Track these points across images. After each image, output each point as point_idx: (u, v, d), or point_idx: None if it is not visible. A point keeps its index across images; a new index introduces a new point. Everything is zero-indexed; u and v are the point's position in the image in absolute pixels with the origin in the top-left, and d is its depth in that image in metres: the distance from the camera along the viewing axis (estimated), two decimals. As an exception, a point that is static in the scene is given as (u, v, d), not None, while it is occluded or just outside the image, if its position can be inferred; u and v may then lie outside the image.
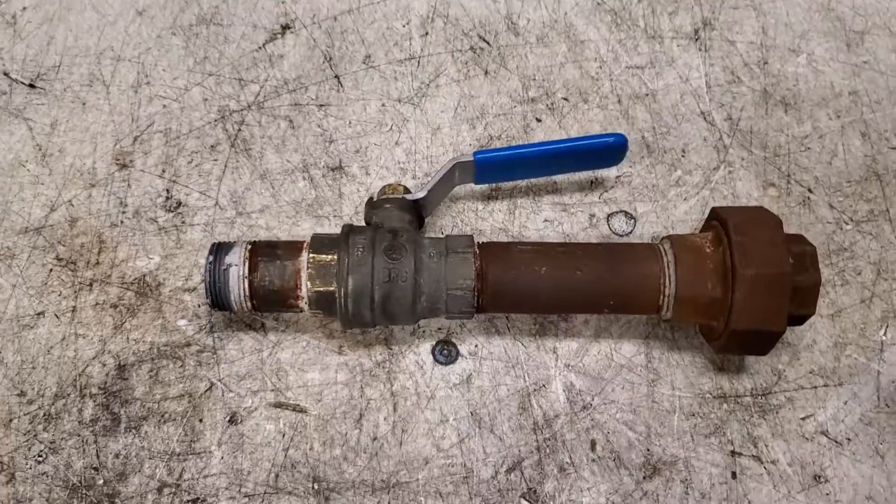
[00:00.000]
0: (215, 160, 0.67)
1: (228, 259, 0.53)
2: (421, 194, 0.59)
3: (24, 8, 0.75)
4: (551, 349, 0.60)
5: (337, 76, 0.72)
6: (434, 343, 0.60)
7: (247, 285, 0.53)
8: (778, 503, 0.56)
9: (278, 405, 0.57)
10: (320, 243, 0.54)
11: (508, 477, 0.56)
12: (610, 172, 0.67)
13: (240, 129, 0.68)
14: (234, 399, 0.57)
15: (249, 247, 0.54)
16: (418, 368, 0.59)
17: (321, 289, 0.53)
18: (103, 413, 0.57)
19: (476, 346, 0.60)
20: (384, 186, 0.60)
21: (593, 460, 0.57)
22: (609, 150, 0.62)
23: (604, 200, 0.66)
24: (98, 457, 0.56)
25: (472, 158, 0.61)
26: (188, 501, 0.55)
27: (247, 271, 0.53)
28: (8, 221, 0.64)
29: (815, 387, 0.59)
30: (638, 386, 0.59)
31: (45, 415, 0.57)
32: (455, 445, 0.57)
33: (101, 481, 0.55)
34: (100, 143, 0.67)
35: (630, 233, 0.64)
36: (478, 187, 0.66)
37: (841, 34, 0.75)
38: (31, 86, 0.70)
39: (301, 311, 0.55)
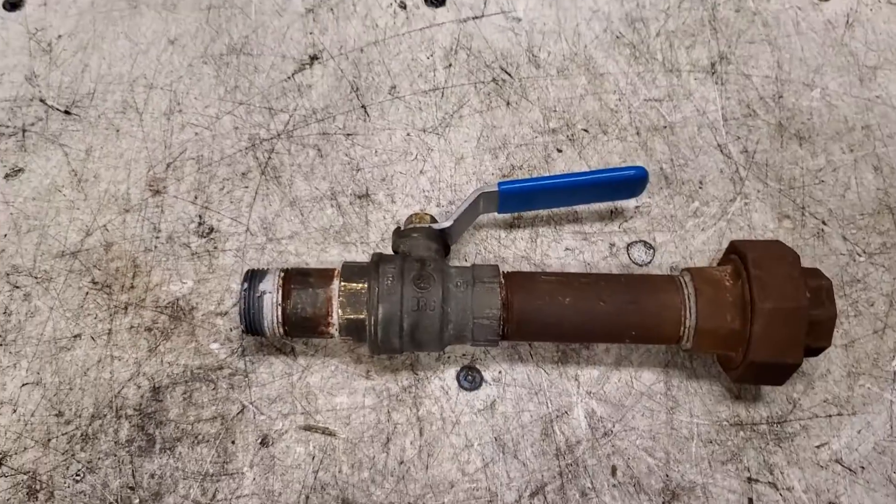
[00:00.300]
0: (246, 187, 0.69)
1: (262, 286, 0.55)
2: (447, 224, 0.61)
3: (60, 36, 0.77)
4: (573, 376, 0.61)
5: (363, 106, 0.74)
6: (459, 369, 0.61)
7: (280, 312, 0.55)
8: (794, 529, 0.57)
9: (308, 428, 0.59)
10: (351, 272, 0.56)
11: (532, 501, 0.57)
12: (629, 203, 0.69)
13: (270, 157, 0.70)
14: (265, 422, 0.59)
15: (282, 274, 0.56)
16: (443, 394, 0.60)
17: (352, 316, 0.55)
18: (139, 434, 0.58)
19: (500, 372, 0.61)
20: (411, 215, 0.62)
21: (614, 486, 0.58)
22: (630, 183, 0.64)
23: (623, 230, 0.68)
24: (134, 476, 0.57)
25: (496, 189, 0.62)
26: (221, 521, 0.56)
27: (280, 298, 0.55)
28: (45, 245, 0.66)
29: (830, 416, 0.61)
30: (657, 413, 0.60)
31: (82, 435, 0.58)
32: (479, 470, 0.58)
33: (137, 501, 0.56)
34: (133, 169, 0.69)
35: (649, 262, 0.66)
36: (501, 215, 0.68)
37: (854, 69, 0.77)
38: (67, 112, 0.72)
39: (331, 337, 0.56)
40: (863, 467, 0.59)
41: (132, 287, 0.64)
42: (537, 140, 0.72)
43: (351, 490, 0.57)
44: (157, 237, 0.66)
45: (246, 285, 0.55)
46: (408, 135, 0.72)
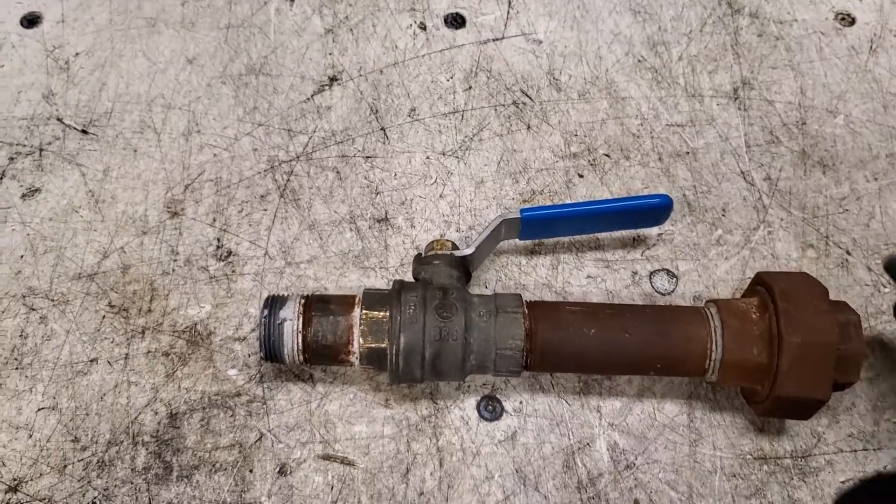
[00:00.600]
0: (265, 210, 0.68)
1: (283, 313, 0.54)
2: (469, 251, 0.60)
3: (77, 54, 0.77)
4: (595, 408, 0.61)
5: (383, 128, 0.73)
6: (479, 399, 0.61)
7: (300, 340, 0.54)
8: (819, 568, 0.57)
9: (327, 457, 0.58)
10: (372, 299, 0.55)
11: (554, 535, 0.57)
12: (652, 230, 0.68)
13: (289, 180, 0.70)
14: (283, 450, 0.58)
15: (303, 301, 0.55)
16: (464, 424, 0.60)
17: (373, 345, 0.54)
18: (155, 461, 0.58)
19: (521, 402, 0.61)
20: (432, 242, 0.61)
21: (637, 520, 0.57)
22: (655, 211, 0.63)
23: (646, 258, 0.67)
24: (150, 505, 0.57)
25: (518, 215, 0.62)
26: (238, 553, 0.56)
27: (300, 326, 0.54)
28: (62, 267, 0.65)
29: (855, 450, 0.60)
30: (680, 446, 0.60)
31: (98, 462, 0.58)
32: (500, 502, 0.57)
33: (153, 530, 0.56)
34: (151, 190, 0.69)
35: (672, 291, 0.65)
36: (522, 241, 0.67)
37: (878, 96, 0.76)
38: (84, 132, 0.72)
39: (351, 366, 0.56)
40: None
41: (149, 311, 0.63)
42: (558, 165, 0.71)
43: (370, 522, 0.57)
44: (175, 260, 0.65)
45: (266, 312, 0.55)
46: (427, 158, 0.72)
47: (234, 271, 0.65)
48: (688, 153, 0.72)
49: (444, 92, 0.75)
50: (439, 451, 0.59)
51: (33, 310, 0.63)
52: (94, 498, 0.57)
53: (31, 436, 0.58)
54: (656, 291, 0.65)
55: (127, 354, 0.61)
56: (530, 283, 0.66)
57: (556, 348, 0.55)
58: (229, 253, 0.66)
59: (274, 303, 0.56)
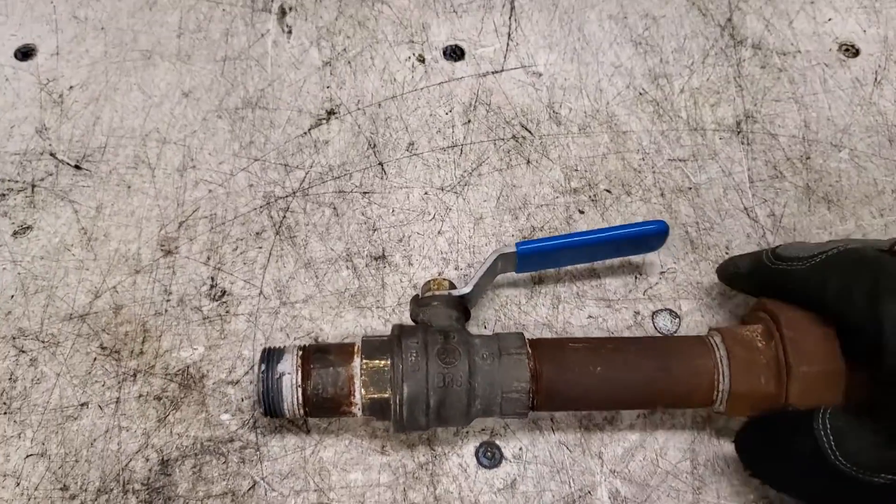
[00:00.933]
0: (260, 248, 0.67)
1: (281, 367, 0.53)
2: (466, 290, 0.59)
3: (72, 87, 0.76)
4: (597, 454, 0.59)
5: (381, 163, 0.72)
6: (478, 445, 0.59)
7: (300, 394, 0.53)
8: None
9: (321, 506, 0.57)
10: (372, 347, 0.54)
11: (554, 588, 0.55)
12: (654, 268, 0.67)
13: (284, 216, 0.69)
14: (277, 498, 0.57)
15: (300, 353, 0.54)
16: (462, 471, 0.58)
17: (375, 396, 0.53)
18: (146, 511, 0.56)
19: (520, 448, 0.59)
20: (429, 281, 0.60)
21: (639, 572, 0.56)
22: (651, 238, 0.62)
23: (648, 297, 0.66)
24: (140, 557, 0.55)
25: (514, 250, 0.61)
26: None
27: (300, 380, 0.53)
28: (53, 307, 0.64)
29: (863, 498, 0.58)
30: (683, 494, 0.58)
31: (87, 511, 0.56)
32: (499, 553, 0.56)
33: (142, 583, 0.54)
34: (145, 227, 0.68)
35: (675, 332, 0.64)
36: (521, 280, 0.66)
37: (883, 129, 0.75)
38: (77, 167, 0.71)
39: (353, 416, 0.54)
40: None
41: (141, 353, 0.62)
42: (558, 200, 0.70)
43: (365, 574, 0.55)
44: (168, 300, 0.64)
45: (263, 366, 0.53)
46: (426, 193, 0.71)
47: (227, 311, 0.64)
48: (690, 188, 0.71)
49: (443, 126, 0.74)
50: (437, 501, 0.57)
51: (23, 352, 0.62)
52: (83, 549, 0.55)
53: (18, 484, 0.57)
54: (658, 332, 0.64)
55: (118, 398, 0.60)
56: (530, 322, 0.64)
57: (562, 388, 0.54)
58: (223, 292, 0.65)
59: (270, 356, 0.54)
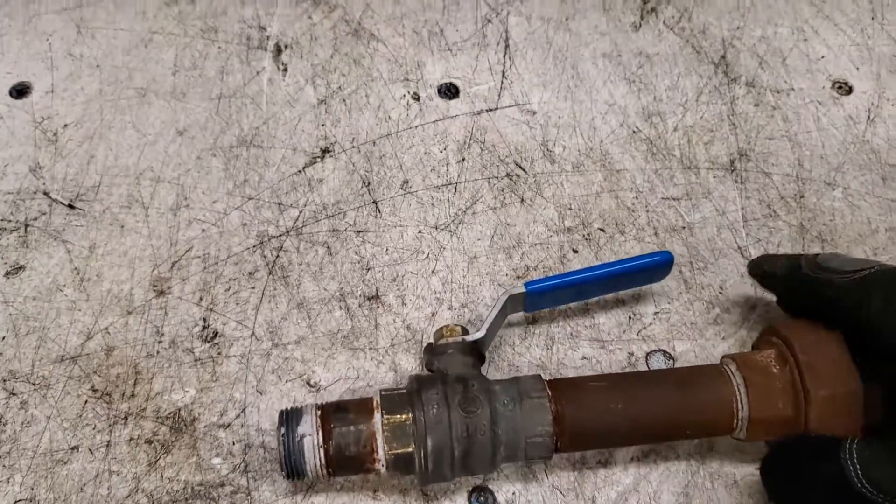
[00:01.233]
0: (253, 288, 0.67)
1: (301, 429, 0.52)
2: (480, 334, 0.59)
3: (66, 125, 0.76)
4: (590, 498, 0.59)
5: (375, 201, 0.72)
6: (470, 490, 0.59)
7: (322, 455, 0.52)
8: None
9: (312, 552, 0.57)
10: (391, 402, 0.54)
11: None
12: (648, 308, 0.67)
13: (278, 256, 0.69)
14: (267, 545, 0.56)
15: (319, 412, 0.53)
16: (455, 516, 0.58)
17: (399, 451, 0.52)
18: (135, 557, 0.56)
19: (513, 493, 0.59)
20: (441, 328, 0.60)
21: None
22: (656, 270, 0.63)
23: (642, 338, 0.66)
24: None
25: (523, 290, 0.61)
26: None
27: (321, 440, 0.52)
28: (44, 349, 0.64)
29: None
30: (678, 539, 0.58)
31: (76, 558, 0.56)
32: None
33: None
34: (138, 268, 0.68)
35: (668, 374, 0.64)
36: (514, 319, 0.66)
37: (876, 167, 0.75)
38: (71, 206, 0.71)
39: (377, 474, 0.54)
40: None
41: (133, 395, 0.62)
42: (552, 239, 0.70)
43: None
44: (160, 342, 0.64)
45: (283, 430, 0.53)
46: (419, 232, 0.71)
47: (219, 353, 0.64)
48: (684, 227, 0.71)
49: (437, 164, 0.74)
50: (429, 546, 0.57)
51: (14, 394, 0.62)
52: None
53: (7, 530, 0.57)
54: (653, 374, 0.64)
55: (109, 442, 0.60)
56: (524, 364, 0.64)
57: (586, 428, 0.55)
58: (215, 334, 0.64)
59: (290, 418, 0.54)
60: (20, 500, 0.58)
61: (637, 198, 0.73)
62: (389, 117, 0.77)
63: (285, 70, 0.80)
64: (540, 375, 0.56)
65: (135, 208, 0.71)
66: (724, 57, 0.83)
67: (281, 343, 0.64)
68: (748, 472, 0.60)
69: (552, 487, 0.59)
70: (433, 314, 0.66)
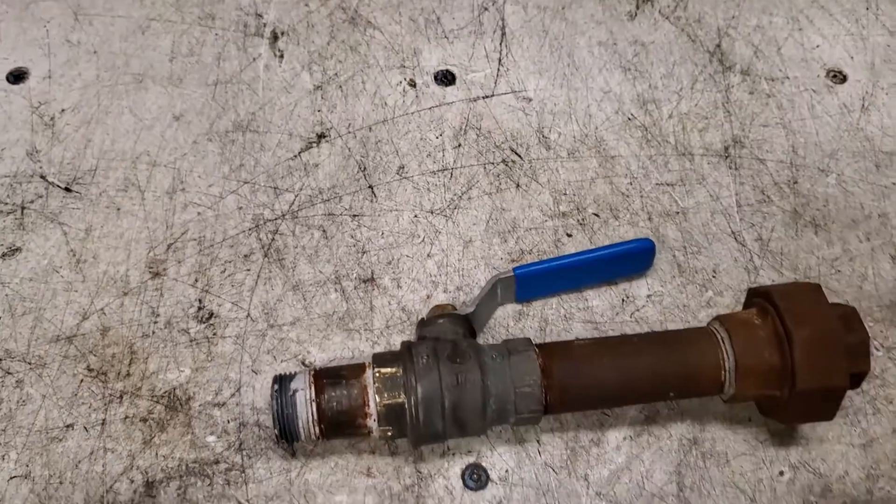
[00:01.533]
0: (248, 270, 0.67)
1: (294, 385, 0.53)
2: (469, 309, 0.61)
3: (63, 110, 0.76)
4: (582, 476, 0.59)
5: (371, 186, 0.72)
6: (464, 467, 0.59)
7: (314, 408, 0.53)
8: None
9: (306, 529, 0.57)
10: (383, 359, 0.55)
11: None
12: (641, 291, 0.67)
13: (273, 239, 0.69)
14: (261, 521, 0.57)
15: (313, 372, 0.55)
16: (448, 493, 0.58)
17: (390, 401, 0.53)
18: (129, 533, 0.56)
19: (507, 471, 0.59)
20: (433, 307, 0.61)
21: None
22: (639, 255, 0.65)
23: (635, 320, 0.66)
24: (123, 580, 0.55)
25: (512, 273, 0.62)
26: None
27: (313, 394, 0.53)
28: (40, 329, 0.64)
29: (850, 523, 0.58)
30: (670, 517, 0.58)
31: (70, 533, 0.56)
32: (485, 577, 0.56)
33: None
34: (133, 249, 0.68)
35: (662, 356, 0.64)
36: (509, 308, 0.66)
37: (870, 154, 0.76)
38: (68, 189, 0.71)
39: (370, 433, 0.54)
40: (886, 580, 0.57)
41: (128, 375, 0.62)
42: (547, 224, 0.71)
43: None
44: (156, 322, 0.64)
45: (276, 386, 0.54)
46: (415, 216, 0.71)
47: (214, 334, 0.64)
48: (678, 213, 0.71)
49: (433, 149, 0.75)
50: (422, 523, 0.57)
51: (9, 373, 0.62)
52: (66, 572, 0.55)
53: (2, 505, 0.57)
54: (646, 355, 0.64)
55: (104, 420, 0.60)
56: (517, 346, 0.64)
57: (574, 381, 0.55)
58: (210, 315, 0.65)
59: (283, 378, 0.55)
60: (15, 476, 0.58)
61: (631, 183, 0.73)
62: (386, 104, 0.78)
63: (282, 56, 0.81)
64: (529, 338, 0.57)
65: (131, 192, 0.71)
66: (719, 45, 0.83)
67: (276, 324, 0.65)
68: (740, 451, 0.60)
69: (545, 465, 0.59)
70: (428, 296, 0.67)
